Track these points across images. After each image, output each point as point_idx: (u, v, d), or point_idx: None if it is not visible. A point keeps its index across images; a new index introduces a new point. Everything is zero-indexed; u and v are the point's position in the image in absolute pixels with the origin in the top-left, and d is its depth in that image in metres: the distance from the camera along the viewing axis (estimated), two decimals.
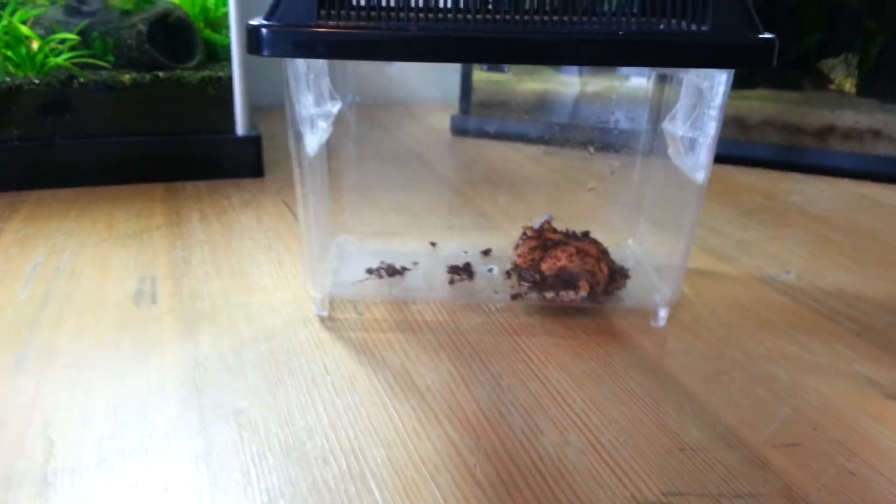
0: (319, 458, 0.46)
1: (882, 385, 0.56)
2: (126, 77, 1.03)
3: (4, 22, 1.02)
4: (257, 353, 0.59)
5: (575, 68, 1.07)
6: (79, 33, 1.06)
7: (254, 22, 0.55)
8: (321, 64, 0.63)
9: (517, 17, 0.54)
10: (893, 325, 0.66)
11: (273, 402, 0.52)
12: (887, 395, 0.55)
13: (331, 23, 0.55)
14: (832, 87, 1.24)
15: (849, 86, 1.22)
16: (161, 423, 0.50)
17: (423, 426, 0.50)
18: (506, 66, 1.35)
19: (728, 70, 0.58)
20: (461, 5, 0.55)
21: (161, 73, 1.04)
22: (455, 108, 1.40)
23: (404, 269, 0.73)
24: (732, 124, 1.22)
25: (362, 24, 0.55)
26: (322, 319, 0.65)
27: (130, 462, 0.46)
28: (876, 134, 1.13)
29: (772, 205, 1.01)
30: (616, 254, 0.73)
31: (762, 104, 1.21)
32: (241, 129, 1.07)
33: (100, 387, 0.54)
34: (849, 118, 1.15)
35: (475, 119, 1.36)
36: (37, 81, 1.00)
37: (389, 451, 0.47)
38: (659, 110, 0.73)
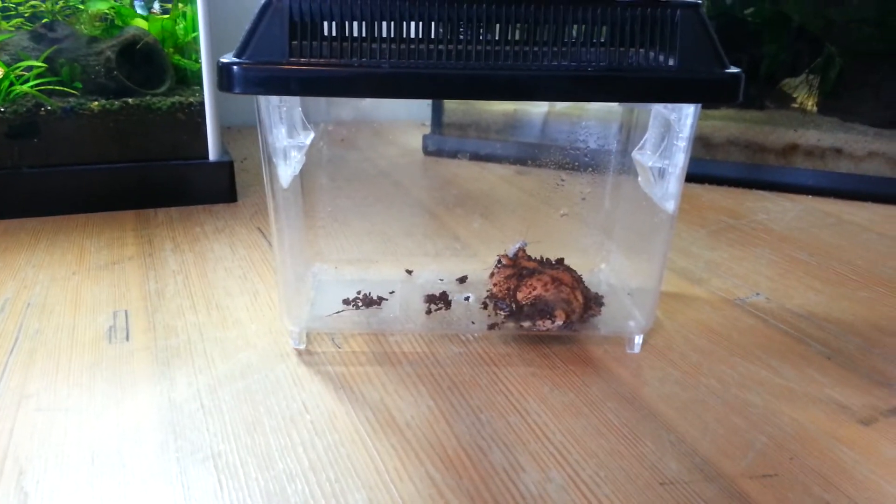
0: (301, 503, 0.46)
1: (854, 410, 0.58)
2: (94, 104, 1.02)
3: None
4: (234, 391, 0.59)
5: None
6: (45, 60, 1.04)
7: (224, 59, 0.55)
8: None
9: (487, 49, 0.55)
10: (862, 348, 0.68)
11: (252, 444, 0.52)
12: (859, 420, 0.56)
13: (302, 59, 0.54)
14: (794, 105, 1.27)
15: (811, 105, 1.25)
16: (138, 469, 0.49)
17: (404, 465, 0.50)
18: None
19: (696, 104, 0.59)
20: (432, 35, 0.56)
21: (130, 100, 1.03)
22: (427, 127, 1.41)
23: (381, 298, 0.73)
24: (697, 143, 1.24)
25: (334, 60, 0.55)
26: (300, 353, 0.65)
27: None
28: (838, 152, 1.16)
29: (738, 224, 1.03)
30: (590, 279, 0.73)
31: (726, 123, 1.23)
32: (213, 154, 1.06)
33: (74, 431, 0.53)
34: (811, 136, 1.18)
35: (447, 139, 1.37)
36: (2, 109, 0.98)
37: (371, 493, 0.47)
38: (628, 131, 0.74)
